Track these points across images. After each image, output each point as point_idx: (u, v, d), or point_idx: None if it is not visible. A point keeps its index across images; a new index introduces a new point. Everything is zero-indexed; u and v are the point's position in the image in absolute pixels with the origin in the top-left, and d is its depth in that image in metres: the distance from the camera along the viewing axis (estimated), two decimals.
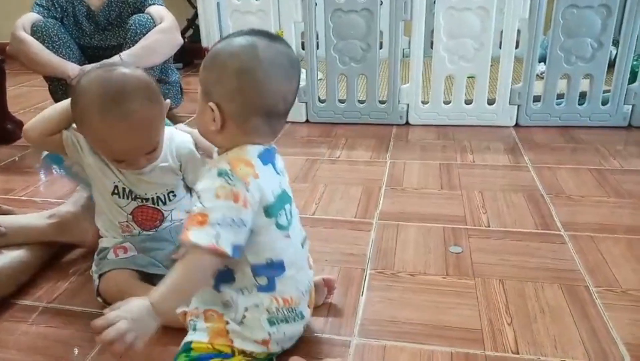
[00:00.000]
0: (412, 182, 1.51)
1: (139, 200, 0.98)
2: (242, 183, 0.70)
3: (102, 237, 1.05)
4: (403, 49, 2.03)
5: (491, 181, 1.50)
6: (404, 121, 2.01)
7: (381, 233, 1.24)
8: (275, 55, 0.73)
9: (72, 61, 1.76)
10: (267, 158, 0.76)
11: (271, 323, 0.77)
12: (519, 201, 1.37)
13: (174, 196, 1.01)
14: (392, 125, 2.00)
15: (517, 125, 1.94)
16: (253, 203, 0.71)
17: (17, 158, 1.82)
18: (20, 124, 2.03)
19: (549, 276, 1.05)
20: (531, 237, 1.20)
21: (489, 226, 1.25)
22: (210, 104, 0.73)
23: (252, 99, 0.72)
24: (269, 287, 0.77)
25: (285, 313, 0.78)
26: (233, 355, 0.75)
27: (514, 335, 0.89)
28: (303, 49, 2.07)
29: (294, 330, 0.81)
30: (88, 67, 1.73)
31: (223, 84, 0.73)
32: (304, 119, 2.07)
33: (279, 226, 0.76)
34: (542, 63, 1.97)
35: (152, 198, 0.99)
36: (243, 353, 0.76)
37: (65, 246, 1.17)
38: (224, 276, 0.76)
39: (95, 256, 1.03)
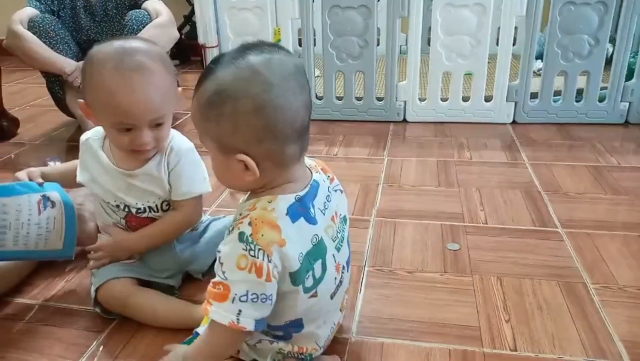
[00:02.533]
0: (410, 179, 1.51)
1: (129, 209, 0.96)
2: (263, 254, 0.63)
3: (101, 233, 1.04)
4: (400, 46, 2.03)
5: (488, 178, 1.50)
6: (401, 118, 2.01)
7: (379, 230, 1.24)
8: (281, 69, 0.63)
9: (68, 57, 1.75)
10: (298, 212, 0.67)
11: (281, 355, 0.77)
12: (516, 198, 1.37)
13: (167, 205, 0.98)
14: (390, 122, 2.00)
15: (514, 122, 1.94)
16: (276, 273, 0.65)
17: (12, 155, 1.81)
18: (16, 122, 2.02)
19: (546, 273, 1.05)
20: (528, 234, 1.20)
21: (486, 223, 1.25)
22: (240, 156, 0.64)
23: (282, 130, 0.63)
24: (285, 337, 0.76)
25: (297, 356, 0.78)
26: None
27: (512, 332, 0.89)
28: (300, 45, 2.06)
29: None
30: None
31: (243, 130, 0.63)
32: None
33: (305, 290, 0.69)
34: (539, 60, 1.97)
35: (144, 208, 0.96)
36: None
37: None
38: None
39: None
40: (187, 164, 0.96)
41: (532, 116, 1.92)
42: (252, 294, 0.63)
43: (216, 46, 2.05)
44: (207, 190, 0.99)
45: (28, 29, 1.71)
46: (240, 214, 0.68)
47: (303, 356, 0.78)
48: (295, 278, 0.67)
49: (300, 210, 0.68)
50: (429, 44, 1.94)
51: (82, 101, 0.91)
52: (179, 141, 0.97)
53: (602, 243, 1.15)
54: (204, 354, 0.71)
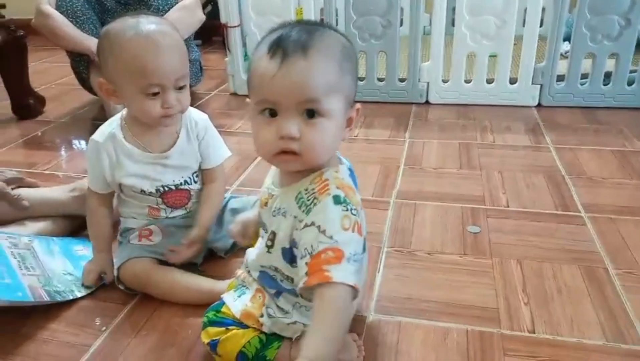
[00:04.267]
0: (431, 161, 1.50)
1: (167, 188, 0.99)
2: (360, 212, 0.66)
3: (123, 217, 1.05)
4: (424, 26, 2.00)
5: (511, 162, 1.48)
6: (424, 100, 1.99)
7: (398, 212, 1.24)
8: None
9: (95, 37, 1.77)
10: (354, 179, 0.72)
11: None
12: (539, 182, 1.35)
13: (197, 176, 1.02)
14: (412, 103, 1.98)
15: (539, 105, 1.91)
16: (365, 234, 0.67)
17: (39, 133, 1.85)
18: (42, 100, 2.06)
19: (567, 258, 1.04)
20: (550, 218, 1.19)
21: (508, 207, 1.24)
22: (357, 105, 0.68)
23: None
24: None
25: None
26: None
27: (531, 314, 0.89)
28: None
29: None
30: None
31: (350, 69, 0.67)
32: None
33: (364, 249, 0.71)
34: (567, 42, 1.93)
35: (179, 183, 1.00)
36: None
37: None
38: (290, 289, 0.75)
39: (119, 236, 1.03)
40: (212, 132, 1.02)
41: (558, 99, 1.89)
42: (358, 254, 0.63)
43: (238, 26, 2.05)
44: (230, 153, 1.06)
45: (56, 9, 1.73)
46: (312, 188, 0.67)
47: None
48: (364, 243, 0.69)
49: (354, 177, 0.72)
50: (453, 25, 1.91)
51: (101, 80, 0.93)
52: (196, 113, 1.02)
53: (625, 229, 1.13)
54: (333, 342, 0.61)
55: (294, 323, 0.76)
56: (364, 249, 0.73)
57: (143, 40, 0.87)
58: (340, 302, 0.62)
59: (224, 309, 0.79)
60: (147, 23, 0.89)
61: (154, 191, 0.98)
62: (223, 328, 0.77)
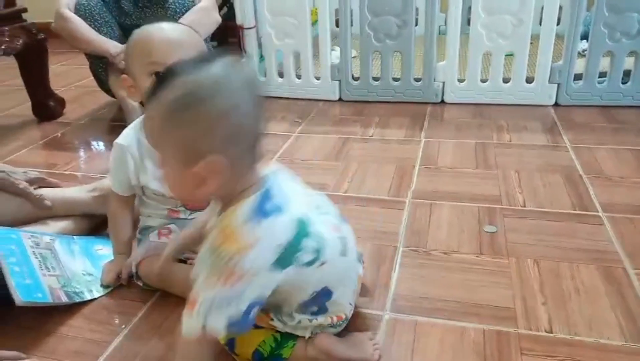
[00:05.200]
0: (447, 161, 1.50)
1: None
2: (231, 261, 0.63)
3: (143, 216, 1.06)
4: (439, 26, 1.99)
5: (528, 161, 1.47)
6: (440, 99, 1.98)
7: (414, 211, 1.24)
8: (242, 76, 0.64)
9: (113, 40, 1.80)
10: (264, 206, 0.66)
11: (319, 329, 0.79)
12: (556, 181, 1.34)
13: None
14: (427, 103, 1.98)
15: (556, 104, 1.89)
16: (252, 273, 0.64)
17: (59, 134, 1.88)
18: (62, 102, 2.09)
19: (585, 258, 1.03)
20: (568, 218, 1.18)
21: (524, 206, 1.24)
22: (212, 157, 0.62)
23: (249, 132, 0.64)
24: (321, 310, 0.78)
25: (336, 324, 0.80)
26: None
27: (548, 314, 0.89)
28: (337, 26, 2.05)
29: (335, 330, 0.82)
30: None
31: (217, 130, 0.62)
32: (337, 98, 2.07)
33: (308, 264, 0.70)
34: (584, 41, 1.90)
35: None
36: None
37: (106, 218, 1.21)
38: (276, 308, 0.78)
39: (138, 234, 1.05)
40: None
41: (575, 98, 1.87)
42: (219, 299, 0.63)
43: (253, 27, 2.06)
44: None
45: (75, 13, 1.76)
46: (213, 227, 0.69)
47: (342, 322, 0.80)
48: (283, 263, 0.66)
49: (267, 201, 0.67)
50: (468, 24, 1.90)
51: (125, 76, 0.95)
52: None
53: None
54: None
55: (299, 322, 0.77)
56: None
57: (157, 27, 0.93)
58: (184, 341, 0.67)
59: None
60: (166, 24, 0.94)
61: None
62: None
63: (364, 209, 1.26)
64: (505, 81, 1.91)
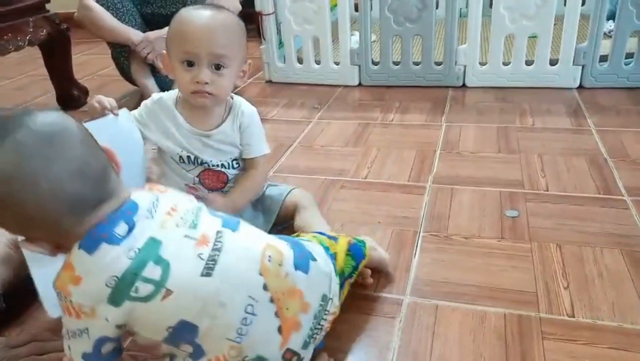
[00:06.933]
0: (468, 145, 1.49)
1: (205, 165, 1.02)
2: (63, 296, 0.61)
3: None
4: (460, 8, 1.96)
5: (551, 145, 1.45)
6: (461, 83, 1.96)
7: (435, 196, 1.23)
8: (21, 149, 0.56)
9: (135, 28, 1.82)
10: (93, 242, 0.59)
11: None
12: (580, 165, 1.32)
13: (237, 164, 1.05)
14: (448, 87, 1.96)
15: (580, 86, 1.85)
16: (85, 309, 0.60)
17: (83, 123, 1.91)
18: (85, 90, 2.13)
19: (609, 242, 1.02)
20: (592, 202, 1.16)
21: (547, 190, 1.22)
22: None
23: (42, 213, 0.58)
24: (199, 353, 0.65)
25: None
26: None
27: (570, 298, 0.88)
28: (356, 10, 2.04)
29: None
30: (151, 34, 1.79)
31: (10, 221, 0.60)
32: (356, 83, 2.06)
33: (145, 299, 0.60)
34: (611, 21, 1.86)
35: (217, 164, 1.02)
36: None
37: None
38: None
39: None
40: (256, 125, 1.05)
41: (601, 80, 1.83)
42: (70, 331, 0.63)
43: (272, 13, 2.06)
44: (268, 151, 1.07)
45: (97, 2, 1.79)
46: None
47: None
48: (117, 299, 0.60)
49: (98, 238, 0.60)
50: (490, 6, 1.87)
51: (165, 53, 0.98)
52: (246, 104, 1.04)
53: None
54: None
55: None
56: (120, 300, 0.61)
57: (193, 11, 0.94)
58: None
59: None
60: (208, 10, 0.94)
61: (192, 157, 1.01)
62: None
63: (384, 195, 1.26)
64: (528, 63, 1.88)
